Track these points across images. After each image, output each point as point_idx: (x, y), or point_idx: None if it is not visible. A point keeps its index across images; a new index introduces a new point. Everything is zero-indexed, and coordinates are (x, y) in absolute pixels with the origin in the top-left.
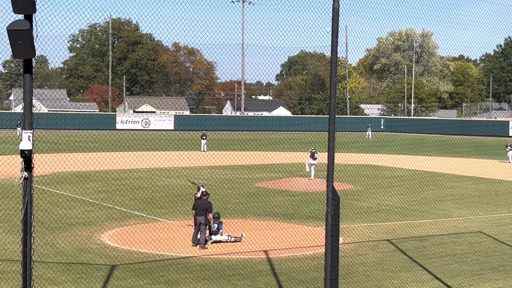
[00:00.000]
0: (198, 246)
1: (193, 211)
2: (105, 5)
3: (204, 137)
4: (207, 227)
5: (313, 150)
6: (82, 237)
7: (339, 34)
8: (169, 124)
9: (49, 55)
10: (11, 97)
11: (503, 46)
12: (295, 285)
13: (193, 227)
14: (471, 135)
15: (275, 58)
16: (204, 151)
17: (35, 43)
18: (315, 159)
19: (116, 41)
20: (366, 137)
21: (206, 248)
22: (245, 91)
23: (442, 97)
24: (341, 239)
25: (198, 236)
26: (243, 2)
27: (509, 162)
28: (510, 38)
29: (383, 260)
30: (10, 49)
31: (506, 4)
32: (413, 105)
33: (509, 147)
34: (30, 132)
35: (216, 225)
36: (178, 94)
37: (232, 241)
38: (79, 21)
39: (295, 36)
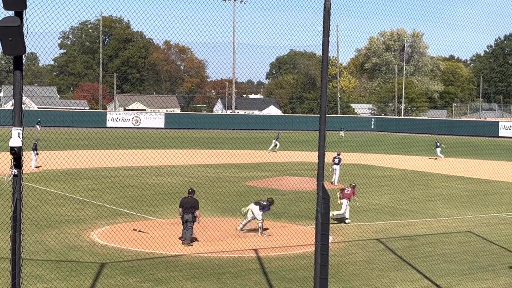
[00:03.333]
0: (183, 243)
1: (180, 209)
2: (96, 2)
3: (277, 137)
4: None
5: (338, 156)
6: (72, 234)
7: (330, 33)
8: (159, 122)
9: (40, 52)
10: (1, 94)
11: (493, 47)
12: (285, 284)
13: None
14: (461, 135)
15: (267, 57)
16: (275, 151)
17: (25, 40)
18: (337, 164)
19: (107, 39)
20: (342, 136)
21: (192, 245)
22: (236, 90)
23: (433, 96)
24: (331, 238)
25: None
26: (234, 0)
27: (437, 158)
28: (500, 39)
29: (372, 259)
30: (0, 46)
31: (496, 5)
32: (403, 105)
33: (438, 146)
34: (20, 129)
35: (264, 203)
36: (169, 92)
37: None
38: (70, 18)
39: (287, 35)
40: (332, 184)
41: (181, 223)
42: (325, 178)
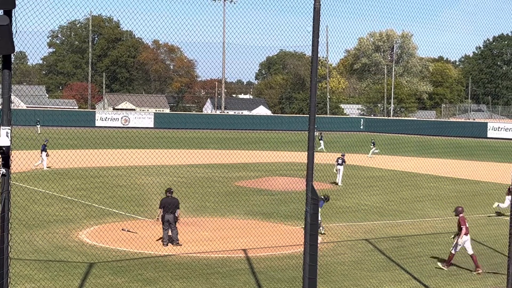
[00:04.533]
0: (172, 243)
1: (160, 210)
2: (86, 1)
3: (321, 138)
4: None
5: (342, 157)
6: (60, 234)
7: (320, 34)
8: (148, 122)
9: (28, 51)
10: None
11: (482, 48)
12: (273, 284)
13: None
14: (450, 136)
15: (256, 57)
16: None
17: (14, 39)
18: (340, 164)
19: (96, 38)
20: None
21: (181, 244)
22: (225, 90)
23: (422, 97)
24: (320, 239)
25: (169, 233)
26: (224, 0)
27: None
28: (488, 40)
29: (361, 260)
30: None
31: (485, 7)
32: (392, 105)
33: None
34: (8, 129)
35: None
36: (158, 92)
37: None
38: (59, 17)
39: (277, 35)
40: (336, 184)
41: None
42: (328, 179)
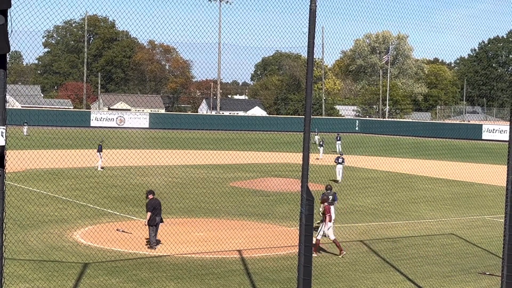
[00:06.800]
0: (151, 246)
1: (149, 213)
2: (81, 1)
3: (338, 138)
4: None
5: (341, 156)
6: (54, 234)
7: (315, 35)
8: (144, 122)
9: (24, 51)
10: None
11: (477, 50)
12: (268, 285)
13: (149, 227)
14: (445, 138)
15: (252, 58)
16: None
17: (9, 39)
18: (340, 163)
19: (91, 38)
20: (313, 141)
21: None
22: (221, 90)
23: (417, 99)
24: (314, 240)
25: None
26: (220, 1)
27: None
28: (484, 42)
29: (356, 261)
30: None
31: (480, 10)
32: (387, 107)
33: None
34: (3, 128)
35: (331, 197)
36: (154, 92)
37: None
38: (55, 17)
39: (272, 36)
40: (335, 182)
41: (149, 226)
42: (325, 180)
